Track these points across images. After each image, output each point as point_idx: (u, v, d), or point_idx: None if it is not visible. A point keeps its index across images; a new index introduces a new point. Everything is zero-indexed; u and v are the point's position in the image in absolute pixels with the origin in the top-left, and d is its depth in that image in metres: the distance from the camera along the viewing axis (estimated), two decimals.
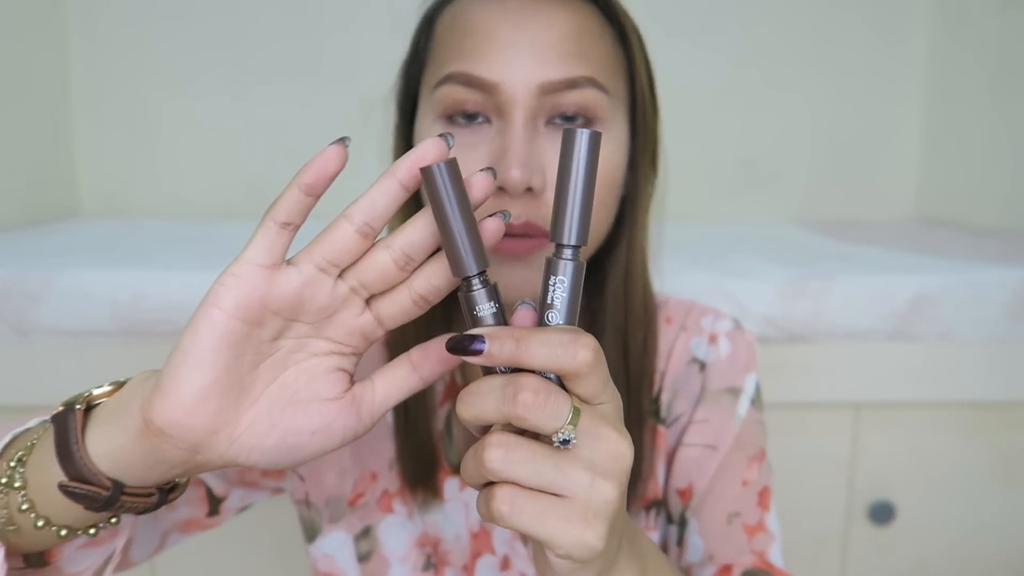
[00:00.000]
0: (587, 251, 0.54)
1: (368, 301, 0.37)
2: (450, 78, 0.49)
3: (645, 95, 0.55)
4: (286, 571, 1.12)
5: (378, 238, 0.36)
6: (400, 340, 0.58)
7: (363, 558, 0.60)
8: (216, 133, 1.65)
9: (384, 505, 0.60)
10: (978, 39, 1.54)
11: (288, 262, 0.35)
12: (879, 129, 1.70)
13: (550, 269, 0.33)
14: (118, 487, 0.36)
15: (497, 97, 0.48)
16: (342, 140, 0.35)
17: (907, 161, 1.71)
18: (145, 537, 0.54)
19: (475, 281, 0.34)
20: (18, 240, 1.30)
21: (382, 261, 0.36)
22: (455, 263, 0.34)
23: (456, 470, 0.59)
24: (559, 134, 0.49)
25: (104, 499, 0.36)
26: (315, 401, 0.37)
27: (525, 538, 0.58)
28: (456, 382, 0.60)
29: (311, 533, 0.61)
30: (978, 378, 1.10)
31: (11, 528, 0.38)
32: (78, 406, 0.37)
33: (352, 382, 0.38)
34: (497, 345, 0.32)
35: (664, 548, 0.61)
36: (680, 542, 0.59)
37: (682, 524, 0.59)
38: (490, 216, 0.35)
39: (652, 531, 0.60)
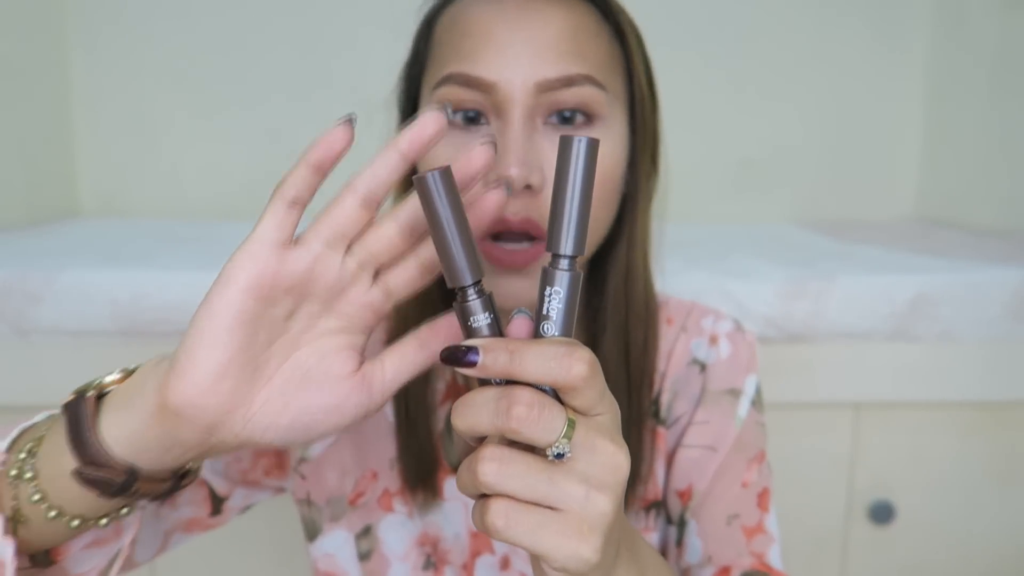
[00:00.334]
0: (588, 249, 0.53)
1: (376, 276, 0.37)
2: (449, 79, 0.49)
3: (644, 92, 0.55)
4: (286, 572, 1.12)
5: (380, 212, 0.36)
6: (403, 331, 0.58)
7: (364, 557, 0.60)
8: (216, 133, 1.65)
9: (384, 504, 0.60)
10: (978, 39, 1.54)
11: (295, 241, 0.35)
12: (879, 129, 1.70)
13: (546, 280, 0.33)
14: (133, 472, 0.36)
15: (495, 96, 0.48)
16: (349, 119, 0.35)
17: (907, 161, 1.71)
18: (148, 537, 0.54)
19: (471, 291, 0.33)
20: (18, 240, 1.30)
21: (388, 232, 0.36)
22: (450, 273, 0.33)
23: (456, 470, 0.59)
24: (557, 132, 0.49)
25: (119, 484, 0.36)
26: (327, 379, 0.37)
27: None
28: (457, 381, 0.60)
29: (312, 532, 0.61)
30: (978, 378, 1.10)
31: (21, 521, 0.38)
32: (89, 393, 0.37)
33: (363, 360, 0.38)
34: (491, 357, 0.32)
35: (663, 549, 0.61)
36: (679, 543, 0.59)
37: (681, 525, 0.59)
38: (493, 189, 0.35)
39: (652, 532, 0.60)
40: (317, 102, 1.62)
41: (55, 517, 0.37)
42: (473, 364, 0.32)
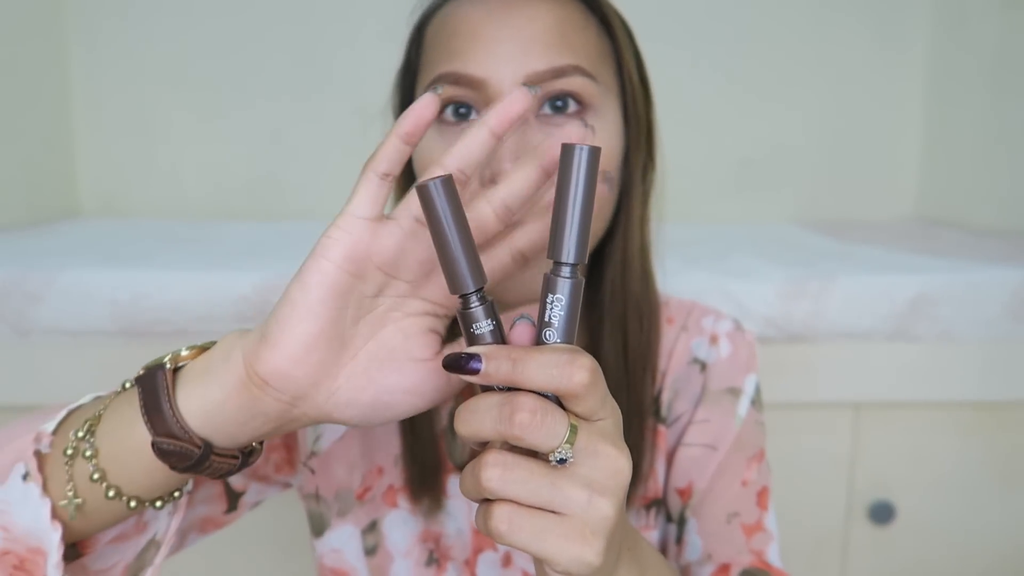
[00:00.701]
0: (590, 245, 0.53)
1: None
2: (439, 79, 0.49)
3: (634, 83, 0.55)
4: (286, 570, 1.12)
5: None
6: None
7: (370, 552, 0.60)
8: (216, 133, 1.65)
9: (389, 500, 0.60)
10: (978, 39, 1.54)
11: (387, 217, 0.36)
12: (879, 129, 1.70)
13: (547, 287, 0.33)
14: (208, 446, 0.37)
15: (486, 93, 0.48)
16: (434, 88, 0.36)
17: (907, 161, 1.71)
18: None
19: (473, 298, 0.34)
20: (18, 240, 1.30)
21: (484, 213, 0.37)
22: (452, 280, 0.33)
23: (459, 468, 0.59)
24: (550, 123, 0.49)
25: (194, 458, 0.37)
26: (409, 360, 0.38)
27: None
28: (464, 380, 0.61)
29: (319, 527, 0.62)
30: (978, 378, 1.10)
31: (77, 501, 0.38)
32: (167, 366, 0.38)
33: (443, 344, 0.39)
34: (494, 365, 0.32)
35: (663, 546, 0.62)
36: (679, 541, 0.59)
37: (681, 523, 0.59)
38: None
39: (652, 530, 0.61)
40: (317, 103, 1.62)
41: (113, 497, 0.38)
42: (476, 371, 0.33)
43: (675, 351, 0.62)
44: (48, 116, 1.58)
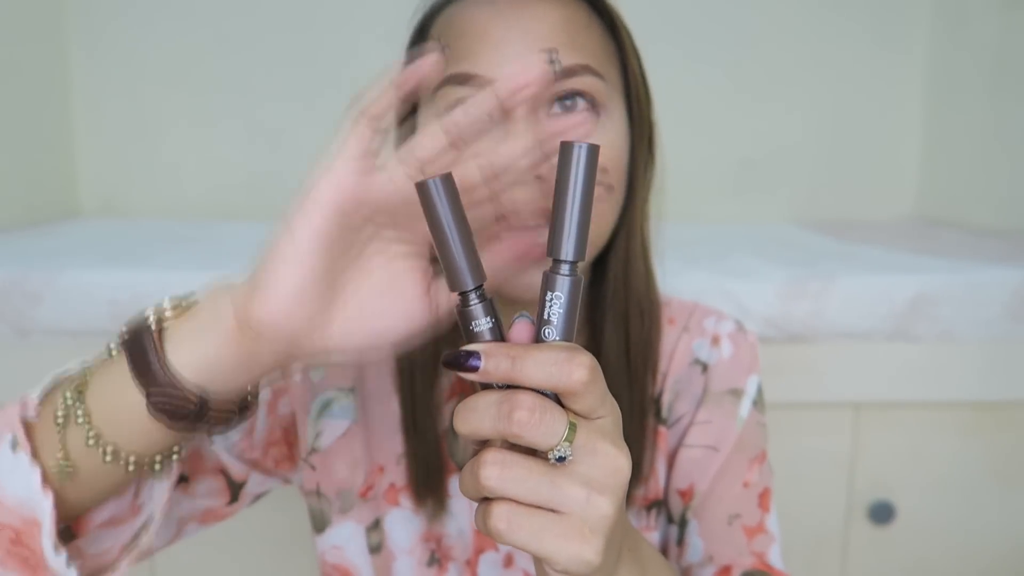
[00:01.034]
0: (596, 242, 0.54)
1: None
2: (448, 80, 0.49)
3: (638, 83, 0.55)
4: (286, 567, 1.12)
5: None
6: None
7: (374, 549, 0.60)
8: (216, 133, 1.65)
9: (391, 498, 0.60)
10: (977, 39, 1.54)
11: (377, 167, 0.36)
12: (879, 129, 1.70)
13: (547, 284, 0.33)
14: (204, 401, 0.37)
15: None
16: (442, 46, 0.35)
17: (907, 161, 1.71)
18: (163, 524, 0.54)
19: (472, 296, 0.34)
20: (18, 240, 1.30)
21: (469, 172, 0.37)
22: (452, 277, 0.33)
23: (461, 468, 0.59)
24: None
25: (191, 411, 0.37)
26: (399, 296, 0.38)
27: None
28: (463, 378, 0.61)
29: (320, 524, 0.62)
30: (978, 378, 1.10)
31: (68, 470, 0.38)
32: (152, 327, 0.37)
33: (429, 282, 0.40)
34: (493, 363, 0.32)
35: (664, 548, 0.61)
36: (680, 542, 0.59)
37: (682, 524, 0.59)
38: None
39: (652, 531, 0.61)
40: (317, 103, 1.61)
41: (111, 459, 0.38)
42: (475, 369, 0.32)
43: (676, 352, 0.62)
44: (48, 116, 1.58)
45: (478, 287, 0.34)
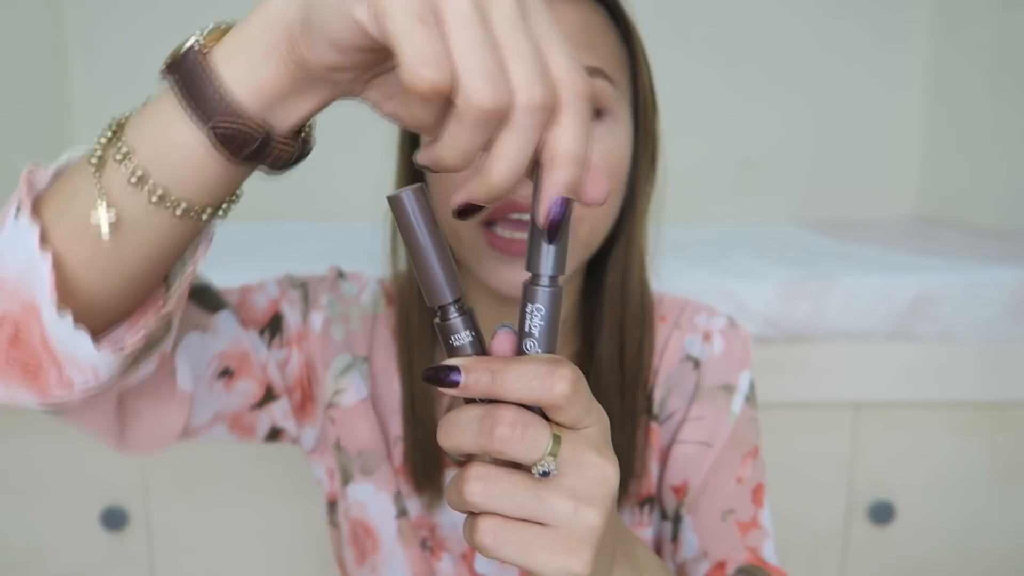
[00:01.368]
0: (592, 246, 0.54)
1: None
2: None
3: (647, 92, 0.55)
4: (287, 563, 1.12)
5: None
6: (408, 322, 0.60)
7: (400, 515, 0.61)
8: None
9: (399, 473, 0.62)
10: (978, 39, 1.54)
11: None
12: (879, 129, 1.70)
13: (527, 297, 0.33)
14: (267, 128, 0.33)
15: None
16: None
17: (907, 161, 1.71)
18: (201, 406, 0.54)
19: (451, 309, 0.33)
20: None
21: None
22: (429, 292, 0.33)
23: (457, 463, 0.60)
24: None
25: (258, 139, 0.33)
26: None
27: None
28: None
29: (345, 477, 0.62)
30: (978, 378, 1.10)
31: (109, 215, 0.34)
32: (196, 49, 0.33)
33: None
34: (473, 378, 0.32)
35: (658, 544, 0.62)
36: (674, 538, 0.59)
37: (676, 520, 0.59)
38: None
39: (646, 527, 0.61)
40: None
41: (157, 201, 0.34)
42: (455, 384, 0.32)
43: (668, 349, 0.62)
44: (48, 116, 1.58)
45: (456, 300, 0.33)
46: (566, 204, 0.30)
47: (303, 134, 0.36)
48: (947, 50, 1.62)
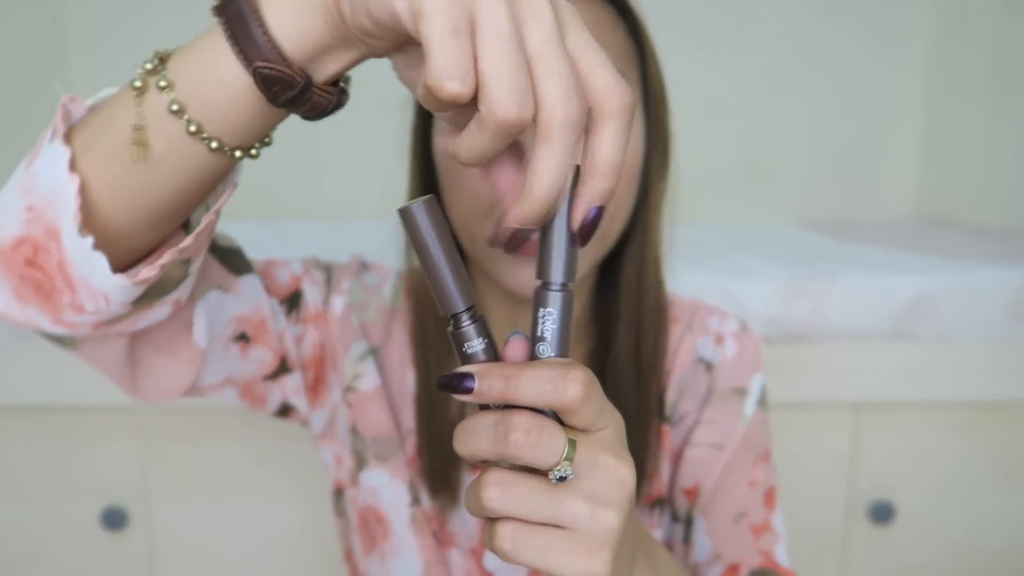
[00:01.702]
0: (606, 244, 0.54)
1: None
2: None
3: (657, 88, 0.56)
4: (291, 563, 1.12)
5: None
6: (423, 313, 0.60)
7: (413, 503, 0.61)
8: None
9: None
10: (978, 39, 1.54)
11: None
12: (879, 129, 1.70)
13: (539, 301, 0.33)
14: (308, 75, 0.34)
15: None
16: None
17: (907, 161, 1.71)
18: (213, 365, 0.54)
19: (464, 317, 0.33)
20: None
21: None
22: (442, 301, 0.33)
23: (470, 464, 0.60)
24: None
25: (299, 86, 0.34)
26: None
27: None
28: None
29: (360, 462, 0.63)
30: (978, 378, 1.10)
31: (141, 144, 0.35)
32: None
33: None
34: (487, 384, 0.32)
35: (669, 546, 0.62)
36: (686, 541, 0.59)
37: (688, 523, 0.59)
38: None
39: (656, 528, 0.61)
40: None
41: (194, 132, 0.35)
42: (469, 391, 0.32)
43: (680, 350, 0.62)
44: (48, 117, 1.58)
45: (469, 308, 0.33)
46: (600, 212, 0.31)
47: (341, 84, 0.37)
48: (947, 50, 1.62)
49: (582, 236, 0.31)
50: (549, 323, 0.33)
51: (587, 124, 0.30)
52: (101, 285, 0.38)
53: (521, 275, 0.52)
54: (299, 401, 0.62)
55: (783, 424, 1.09)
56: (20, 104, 1.49)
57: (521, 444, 0.31)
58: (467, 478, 0.60)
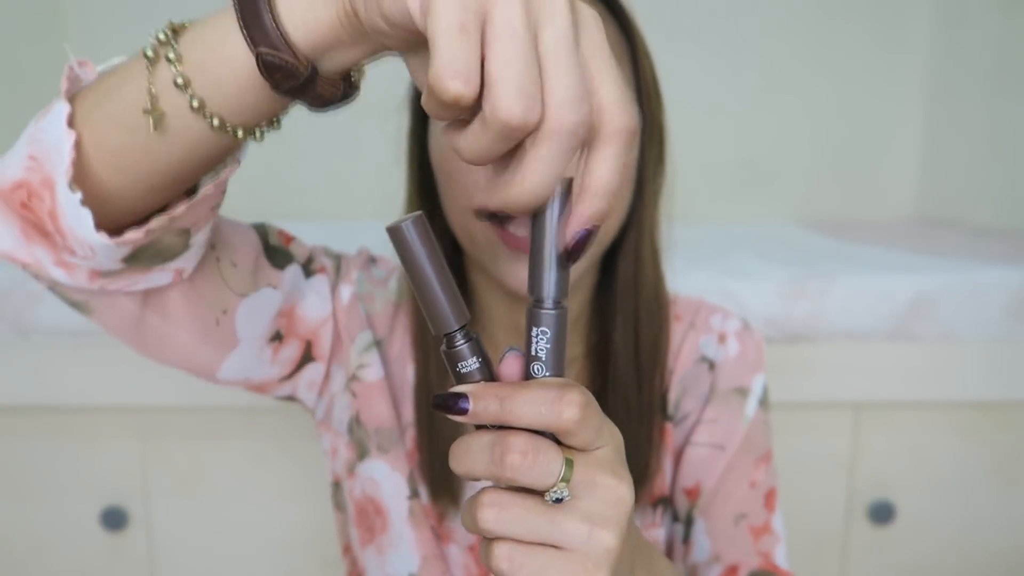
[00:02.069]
0: (603, 240, 0.54)
1: None
2: None
3: (650, 84, 0.55)
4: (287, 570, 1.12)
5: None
6: (420, 326, 0.60)
7: (412, 496, 0.61)
8: None
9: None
10: (978, 40, 1.54)
11: None
12: (879, 129, 1.70)
13: (532, 320, 0.32)
14: (314, 67, 0.34)
15: None
16: None
17: (907, 161, 1.71)
18: (236, 362, 0.54)
19: (457, 336, 0.33)
20: None
21: None
22: (434, 321, 0.32)
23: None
24: None
25: (303, 76, 0.33)
26: None
27: None
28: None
29: (361, 452, 0.62)
30: (978, 378, 1.10)
31: (154, 112, 0.35)
32: None
33: None
34: (482, 405, 0.32)
35: (670, 546, 0.62)
36: (686, 540, 0.59)
37: (688, 523, 0.59)
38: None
39: (658, 528, 0.61)
40: None
41: (197, 108, 0.35)
42: (464, 412, 0.32)
43: (683, 349, 0.62)
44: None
45: (463, 327, 0.33)
46: (591, 232, 0.30)
47: (352, 77, 0.37)
48: (947, 50, 1.62)
49: (572, 255, 0.31)
50: (543, 342, 0.32)
51: (587, 139, 0.29)
52: (86, 238, 0.38)
53: (521, 273, 0.52)
54: (308, 396, 0.62)
55: (783, 424, 1.09)
56: (20, 104, 1.49)
57: (517, 467, 0.31)
58: (468, 482, 0.60)
